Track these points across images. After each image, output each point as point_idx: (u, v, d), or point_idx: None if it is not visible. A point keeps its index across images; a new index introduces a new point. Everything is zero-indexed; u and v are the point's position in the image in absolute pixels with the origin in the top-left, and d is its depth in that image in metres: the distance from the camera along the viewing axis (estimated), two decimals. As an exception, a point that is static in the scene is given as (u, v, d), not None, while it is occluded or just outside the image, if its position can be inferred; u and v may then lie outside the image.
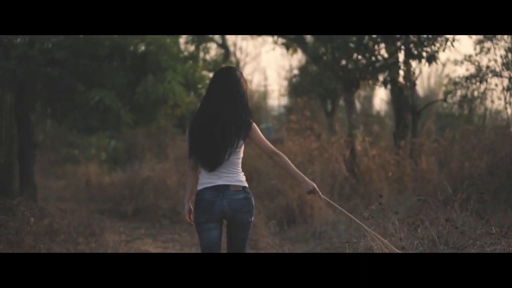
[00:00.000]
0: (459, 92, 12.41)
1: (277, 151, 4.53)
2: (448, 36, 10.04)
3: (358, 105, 20.13)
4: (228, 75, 4.57)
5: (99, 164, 15.59)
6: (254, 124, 4.51)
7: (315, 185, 4.51)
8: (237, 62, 19.43)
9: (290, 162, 4.54)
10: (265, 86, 21.34)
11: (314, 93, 15.38)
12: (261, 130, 4.60)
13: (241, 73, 4.68)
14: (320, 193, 4.54)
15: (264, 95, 21.08)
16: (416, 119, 11.38)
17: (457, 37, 10.10)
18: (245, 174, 4.55)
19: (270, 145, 4.53)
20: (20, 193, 9.43)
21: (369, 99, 22.96)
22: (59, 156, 17.29)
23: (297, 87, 15.70)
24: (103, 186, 12.72)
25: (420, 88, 23.40)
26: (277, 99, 21.53)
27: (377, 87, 12.76)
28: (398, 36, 10.22)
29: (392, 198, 9.19)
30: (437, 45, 10.13)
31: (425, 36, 10.08)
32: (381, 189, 9.54)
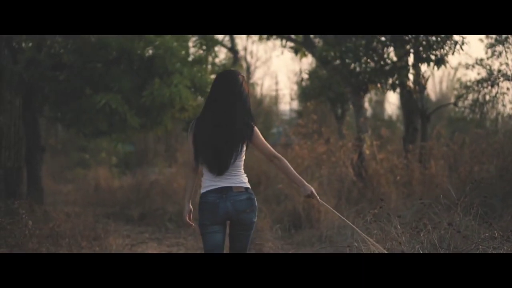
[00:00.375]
0: (470, 96, 12.33)
1: (278, 154, 4.60)
2: (457, 39, 9.95)
3: (369, 109, 20.07)
4: (230, 79, 4.59)
5: (109, 168, 15.63)
6: (256, 128, 4.54)
7: (313, 189, 4.58)
8: (248, 67, 19.43)
9: (289, 166, 4.60)
10: (276, 90, 21.31)
11: (323, 97, 15.31)
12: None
13: (243, 77, 4.70)
14: (318, 197, 4.60)
15: (275, 99, 21.06)
16: (426, 123, 11.29)
17: (467, 40, 10.00)
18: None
19: (271, 148, 4.60)
20: (27, 197, 9.45)
21: (380, 104, 22.90)
22: (70, 160, 17.35)
23: (306, 91, 15.64)
24: (111, 190, 12.74)
25: (432, 92, 23.31)
26: (288, 103, 21.51)
27: (387, 92, 12.71)
28: (407, 39, 10.15)
29: (400, 202, 9.13)
30: (446, 48, 10.04)
31: (434, 39, 10.00)
32: (389, 193, 9.47)
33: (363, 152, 10.31)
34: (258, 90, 20.66)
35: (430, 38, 9.99)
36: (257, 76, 21.28)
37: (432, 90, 23.40)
